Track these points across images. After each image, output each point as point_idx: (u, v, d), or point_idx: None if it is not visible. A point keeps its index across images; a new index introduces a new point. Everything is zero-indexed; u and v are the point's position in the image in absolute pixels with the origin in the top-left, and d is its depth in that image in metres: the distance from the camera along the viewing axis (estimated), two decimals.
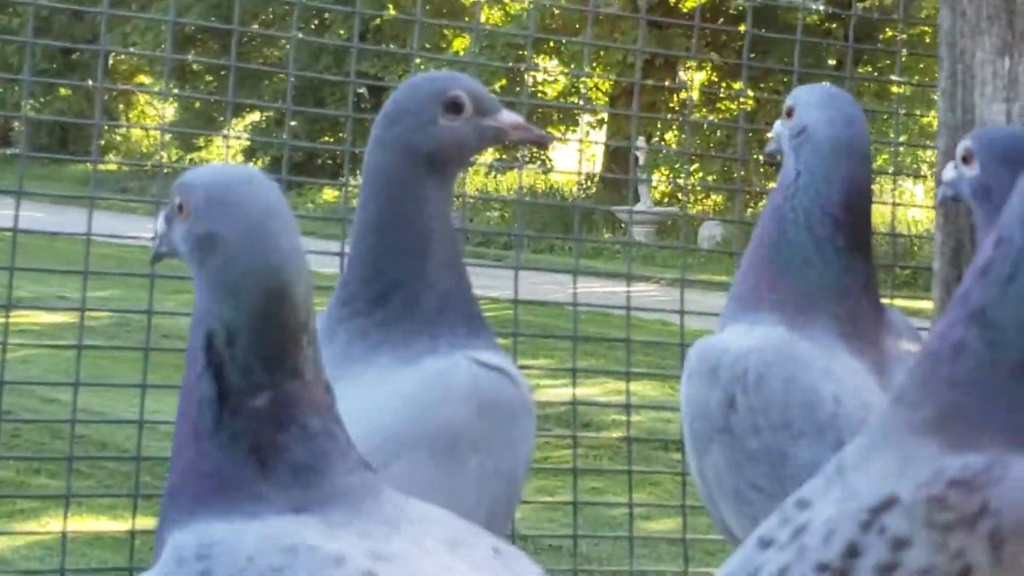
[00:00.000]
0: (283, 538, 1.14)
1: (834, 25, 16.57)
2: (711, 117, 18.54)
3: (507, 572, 1.20)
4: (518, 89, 14.61)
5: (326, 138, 19.60)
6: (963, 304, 0.98)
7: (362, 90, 16.14)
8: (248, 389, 1.18)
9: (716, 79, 18.93)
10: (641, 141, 12.59)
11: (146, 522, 2.78)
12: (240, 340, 1.18)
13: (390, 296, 1.66)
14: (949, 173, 1.93)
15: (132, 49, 19.94)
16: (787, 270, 1.89)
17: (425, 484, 1.49)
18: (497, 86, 15.73)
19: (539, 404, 1.95)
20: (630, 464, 3.15)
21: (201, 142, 23.40)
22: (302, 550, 1.13)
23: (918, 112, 10.12)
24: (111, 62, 23.07)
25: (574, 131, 19.99)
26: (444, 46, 18.42)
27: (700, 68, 18.20)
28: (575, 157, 20.44)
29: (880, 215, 2.10)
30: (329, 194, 18.25)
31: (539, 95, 15.12)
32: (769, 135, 2.10)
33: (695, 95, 16.57)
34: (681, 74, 19.75)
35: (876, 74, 16.26)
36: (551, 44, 17.87)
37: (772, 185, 2.09)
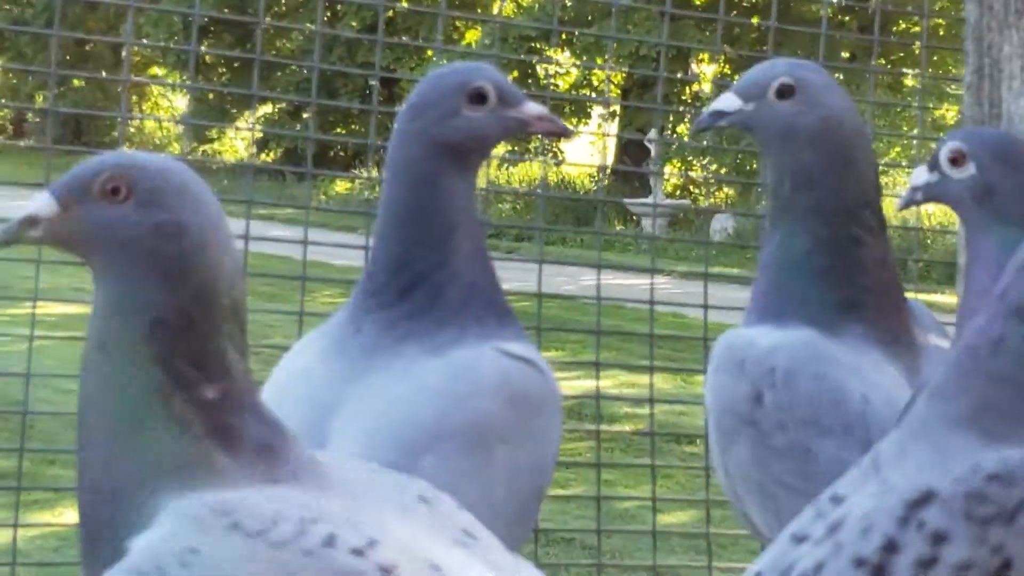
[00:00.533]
0: (296, 497, 1.14)
1: (847, 18, 16.56)
2: None
3: (437, 519, 1.21)
4: (530, 81, 14.61)
5: (339, 130, 19.60)
6: (1002, 300, 0.98)
7: (374, 82, 16.14)
8: (202, 377, 1.18)
9: (729, 72, 18.92)
10: (653, 133, 12.56)
11: None
12: (196, 328, 1.18)
13: (417, 287, 1.66)
14: (923, 176, 1.83)
15: (153, 42, 19.92)
16: (812, 281, 1.84)
17: (456, 477, 1.48)
18: (509, 78, 15.70)
19: None
20: (653, 459, 3.14)
21: (214, 134, 23.43)
22: (320, 507, 1.14)
23: (931, 105, 10.14)
24: (124, 53, 23.06)
25: (586, 123, 19.99)
26: (456, 38, 18.42)
27: (712, 60, 18.18)
28: (586, 150, 20.46)
29: (891, 208, 2.05)
30: (342, 186, 18.27)
31: (552, 87, 15.10)
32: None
33: (707, 87, 16.54)
34: (693, 66, 19.73)
35: (889, 67, 16.24)
36: (563, 36, 17.88)
37: None
